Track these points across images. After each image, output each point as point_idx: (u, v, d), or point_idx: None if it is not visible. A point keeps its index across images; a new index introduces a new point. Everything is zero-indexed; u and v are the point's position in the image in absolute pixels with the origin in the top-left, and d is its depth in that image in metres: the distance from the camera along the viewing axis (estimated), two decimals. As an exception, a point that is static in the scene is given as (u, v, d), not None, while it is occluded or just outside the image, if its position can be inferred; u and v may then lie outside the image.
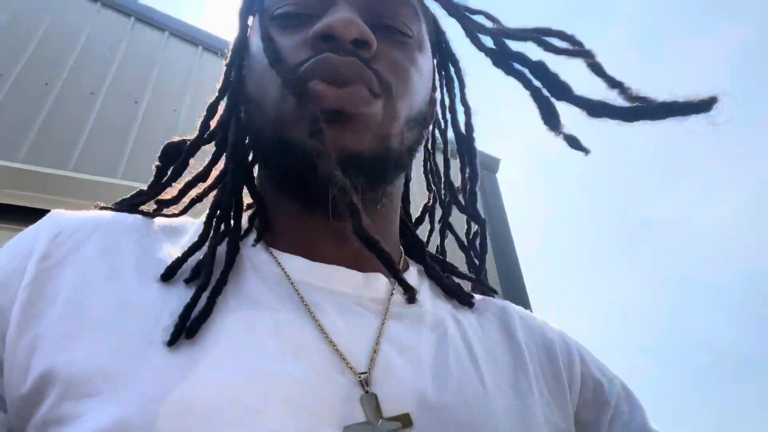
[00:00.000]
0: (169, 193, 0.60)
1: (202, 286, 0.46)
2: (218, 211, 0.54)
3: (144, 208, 0.59)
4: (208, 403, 0.38)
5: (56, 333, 0.42)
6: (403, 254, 0.63)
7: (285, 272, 0.51)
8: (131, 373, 0.40)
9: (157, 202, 0.59)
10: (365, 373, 0.45)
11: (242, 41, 0.58)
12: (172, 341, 0.42)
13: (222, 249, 0.52)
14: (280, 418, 0.39)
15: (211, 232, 0.53)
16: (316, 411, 0.41)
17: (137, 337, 0.42)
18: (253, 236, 0.56)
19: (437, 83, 0.67)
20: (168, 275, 0.48)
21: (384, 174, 0.53)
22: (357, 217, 0.45)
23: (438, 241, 0.72)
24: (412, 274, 0.60)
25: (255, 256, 0.53)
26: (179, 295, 0.46)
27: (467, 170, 0.67)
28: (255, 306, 0.47)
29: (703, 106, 0.43)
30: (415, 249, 0.65)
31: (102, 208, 0.58)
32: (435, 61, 0.64)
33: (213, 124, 0.60)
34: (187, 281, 0.48)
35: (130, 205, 0.58)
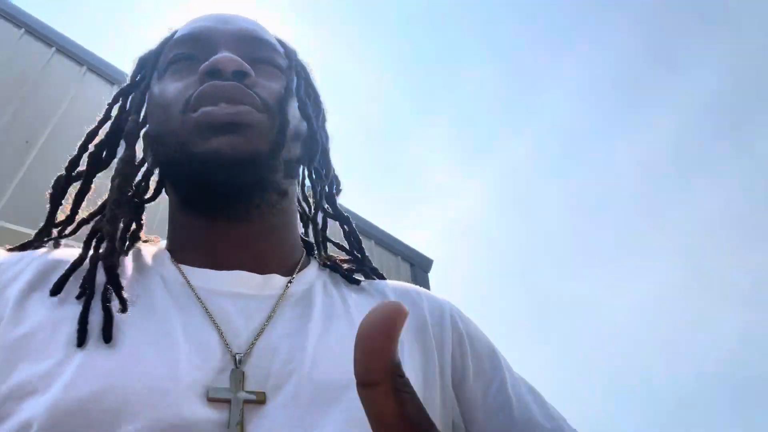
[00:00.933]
0: (62, 215, 0.67)
1: (88, 298, 0.53)
2: (97, 234, 0.61)
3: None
4: (108, 393, 0.45)
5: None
6: (305, 253, 0.71)
7: (188, 282, 0.58)
8: (57, 373, 0.46)
9: (56, 224, 0.66)
10: (240, 353, 0.52)
11: (143, 89, 0.69)
12: (80, 343, 0.49)
13: (127, 266, 0.60)
14: (164, 395, 0.46)
15: (90, 251, 0.59)
16: (190, 383, 0.48)
17: (55, 346, 0.49)
18: (164, 255, 0.63)
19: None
20: (56, 291, 0.54)
21: (279, 175, 0.64)
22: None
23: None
24: (312, 269, 0.68)
25: (164, 271, 0.60)
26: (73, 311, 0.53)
27: (326, 178, 0.76)
28: (158, 311, 0.54)
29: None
30: (312, 248, 0.76)
31: (9, 250, 0.63)
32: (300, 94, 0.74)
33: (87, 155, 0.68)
34: (78, 297, 0.54)
35: (30, 243, 0.64)
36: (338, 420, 0.49)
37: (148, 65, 0.70)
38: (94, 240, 0.60)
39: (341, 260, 0.75)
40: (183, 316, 0.54)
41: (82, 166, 0.67)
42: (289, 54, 0.72)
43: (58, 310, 0.52)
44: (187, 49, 0.66)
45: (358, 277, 0.72)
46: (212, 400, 0.48)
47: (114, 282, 0.54)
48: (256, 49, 0.67)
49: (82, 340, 0.49)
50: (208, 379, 0.49)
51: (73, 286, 0.55)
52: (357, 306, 0.63)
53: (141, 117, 0.69)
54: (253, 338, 0.54)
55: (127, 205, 0.64)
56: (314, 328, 0.57)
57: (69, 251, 0.62)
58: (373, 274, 0.74)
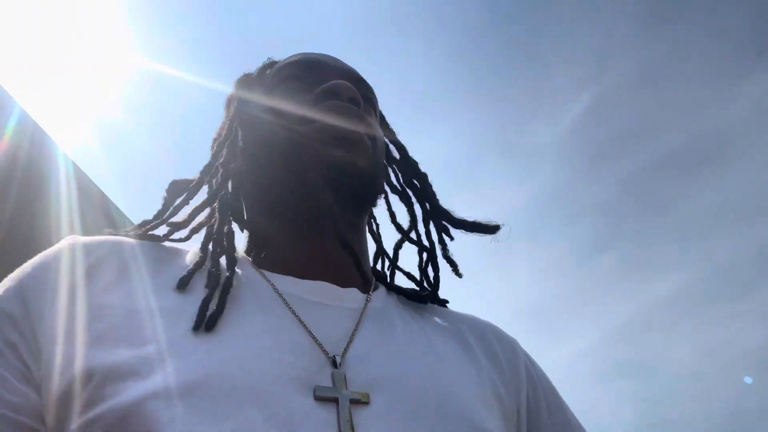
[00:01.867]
0: (180, 218, 0.71)
1: (213, 287, 0.57)
2: (212, 238, 0.65)
3: (155, 232, 0.69)
4: (221, 377, 0.48)
5: (92, 338, 0.50)
6: (374, 279, 0.75)
7: (275, 288, 0.62)
8: (163, 357, 0.49)
9: (169, 224, 0.69)
10: (338, 356, 0.56)
11: (246, 106, 0.75)
12: (197, 327, 0.52)
13: (221, 266, 0.63)
14: (269, 386, 0.49)
15: (209, 252, 0.63)
16: (292, 379, 0.51)
17: (165, 333, 0.52)
18: (245, 261, 0.67)
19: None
20: (182, 285, 0.58)
21: (374, 198, 0.72)
22: (340, 227, 0.64)
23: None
24: (383, 290, 0.72)
25: (249, 276, 0.63)
26: (192, 302, 0.56)
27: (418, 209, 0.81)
28: (254, 311, 0.57)
29: (492, 229, 0.73)
30: (381, 275, 0.80)
31: (111, 234, 0.66)
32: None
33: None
34: (206, 286, 0.58)
35: (138, 232, 0.67)
36: None
37: (250, 86, 0.77)
38: (210, 245, 0.65)
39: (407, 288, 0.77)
40: (273, 318, 0.57)
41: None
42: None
43: (157, 300, 0.55)
44: (301, 72, 0.72)
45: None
46: (319, 398, 0.50)
47: (229, 283, 0.58)
48: (362, 88, 0.74)
49: (199, 324, 0.52)
50: (308, 378, 0.52)
51: (164, 281, 0.59)
52: (432, 329, 0.68)
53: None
54: (345, 345, 0.57)
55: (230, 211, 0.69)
56: (399, 344, 0.61)
57: (168, 249, 0.65)
58: (439, 303, 0.78)
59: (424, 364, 0.59)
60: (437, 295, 0.78)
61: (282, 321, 0.57)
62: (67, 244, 0.60)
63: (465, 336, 0.69)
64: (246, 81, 0.78)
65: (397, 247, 0.82)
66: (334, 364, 0.54)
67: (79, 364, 0.48)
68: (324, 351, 0.55)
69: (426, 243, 0.79)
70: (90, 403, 0.46)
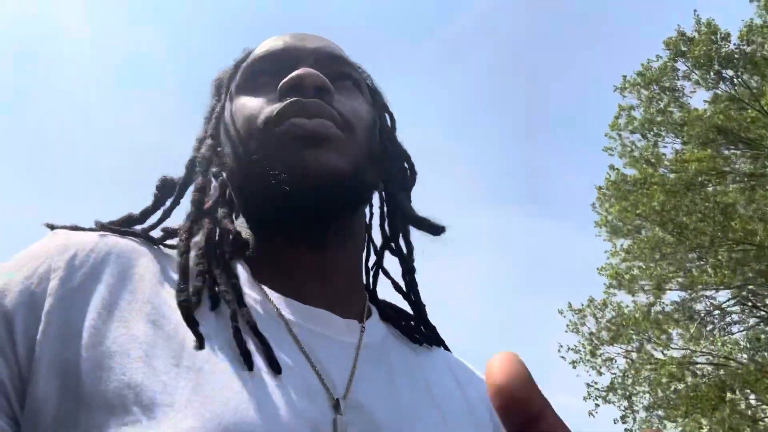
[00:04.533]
0: (176, 225, 0.64)
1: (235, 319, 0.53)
2: (208, 254, 0.59)
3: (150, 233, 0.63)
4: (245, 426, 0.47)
5: (85, 360, 0.47)
6: (367, 299, 0.69)
7: (278, 311, 0.58)
8: (175, 393, 0.46)
9: (164, 230, 0.63)
10: (341, 398, 0.53)
11: (221, 107, 0.68)
12: (250, 367, 0.51)
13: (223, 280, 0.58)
14: (290, 424, 0.48)
15: (211, 269, 0.57)
16: (297, 425, 0.49)
17: (169, 359, 0.49)
18: (243, 272, 0.61)
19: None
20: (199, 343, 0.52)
21: (359, 197, 0.64)
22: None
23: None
24: (376, 317, 0.67)
25: (252, 296, 0.58)
26: (205, 321, 0.52)
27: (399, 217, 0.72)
28: (261, 339, 0.54)
29: (439, 230, 0.67)
30: (375, 297, 0.73)
31: (104, 227, 0.60)
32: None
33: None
34: (212, 309, 0.54)
35: (132, 230, 0.61)
36: None
37: (223, 87, 0.70)
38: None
39: (398, 313, 0.72)
40: (283, 352, 0.54)
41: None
42: (370, 77, 0.74)
43: (162, 324, 0.51)
44: (267, 66, 0.65)
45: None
46: None
47: (252, 321, 0.54)
48: (335, 66, 0.66)
49: (250, 366, 0.50)
50: (316, 425, 0.50)
51: (166, 299, 0.54)
52: (429, 369, 0.65)
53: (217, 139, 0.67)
54: (346, 386, 0.55)
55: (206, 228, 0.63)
56: (398, 389, 0.59)
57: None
58: (429, 331, 0.72)
59: (425, 416, 0.58)
60: (433, 336, 0.72)
61: (291, 356, 0.54)
62: (57, 246, 0.54)
63: (458, 379, 0.68)
64: (219, 82, 0.71)
65: (379, 257, 0.74)
66: (337, 408, 0.52)
67: (72, 389, 0.46)
68: (329, 394, 0.53)
69: (404, 250, 0.72)
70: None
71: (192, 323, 0.50)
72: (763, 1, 10.01)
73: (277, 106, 0.60)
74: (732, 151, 9.91)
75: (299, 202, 0.57)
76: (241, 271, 0.61)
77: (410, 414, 0.57)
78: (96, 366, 0.47)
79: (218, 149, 0.65)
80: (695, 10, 10.38)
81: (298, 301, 0.59)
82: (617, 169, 10.55)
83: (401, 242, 0.72)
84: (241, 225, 0.65)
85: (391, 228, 0.72)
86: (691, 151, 9.89)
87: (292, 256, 0.62)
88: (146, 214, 0.64)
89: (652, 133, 10.73)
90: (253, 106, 0.62)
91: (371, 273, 0.74)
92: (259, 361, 0.51)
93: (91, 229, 0.60)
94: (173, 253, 0.59)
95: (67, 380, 0.47)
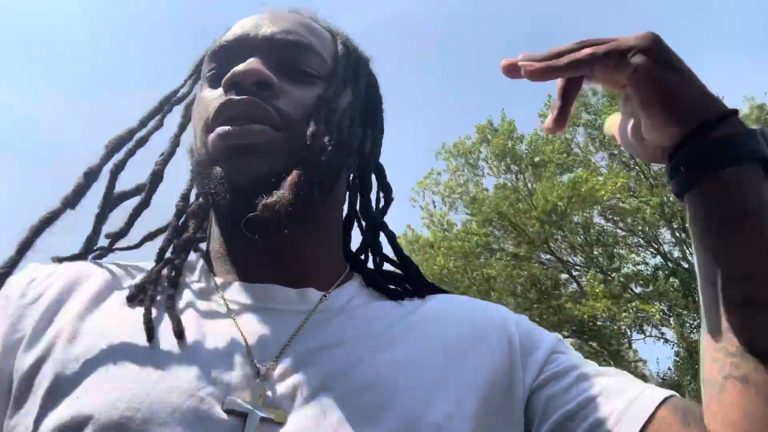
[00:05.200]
0: (122, 233, 0.70)
1: (150, 301, 0.58)
2: (167, 250, 0.66)
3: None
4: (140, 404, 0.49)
5: (18, 364, 0.54)
6: (348, 268, 0.69)
7: (221, 295, 0.60)
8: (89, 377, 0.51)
9: (107, 236, 0.69)
10: (264, 367, 0.53)
11: (193, 96, 0.70)
12: (150, 339, 0.54)
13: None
14: (185, 401, 0.49)
15: (165, 262, 0.63)
16: (211, 392, 0.50)
17: (87, 346, 0.53)
18: (200, 265, 0.66)
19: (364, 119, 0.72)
20: (131, 299, 0.59)
21: (308, 191, 0.58)
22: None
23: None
24: (354, 284, 0.66)
25: (199, 283, 0.63)
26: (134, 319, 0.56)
27: (364, 190, 0.73)
28: (194, 322, 0.57)
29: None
30: (359, 264, 0.72)
31: (60, 260, 0.66)
32: (359, 101, 0.70)
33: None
34: (129, 299, 0.59)
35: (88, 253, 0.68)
36: None
37: (194, 74, 0.72)
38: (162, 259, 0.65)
39: (391, 275, 0.72)
40: (211, 327, 0.56)
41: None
42: (348, 54, 0.69)
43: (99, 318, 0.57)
44: (222, 56, 0.64)
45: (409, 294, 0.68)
46: (228, 411, 0.49)
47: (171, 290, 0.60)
48: (289, 55, 0.63)
49: (150, 337, 0.53)
50: (228, 392, 0.51)
51: (116, 299, 0.59)
52: (399, 325, 0.61)
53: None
54: (278, 353, 0.54)
55: (187, 231, 0.68)
56: (345, 347, 0.56)
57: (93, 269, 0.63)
58: (427, 289, 0.70)
59: (365, 371, 0.54)
60: (426, 284, 0.72)
61: (220, 331, 0.56)
62: (23, 273, 0.62)
63: (447, 330, 0.62)
64: (196, 66, 0.73)
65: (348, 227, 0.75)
66: (258, 375, 0.52)
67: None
68: (253, 362, 0.53)
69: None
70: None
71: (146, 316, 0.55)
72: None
73: (214, 107, 0.60)
74: (502, 233, 12.13)
75: (232, 214, 0.58)
76: (199, 266, 0.65)
77: (337, 373, 0.54)
78: (23, 366, 0.53)
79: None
80: (503, 109, 12.58)
81: (247, 282, 0.61)
82: (413, 229, 12.38)
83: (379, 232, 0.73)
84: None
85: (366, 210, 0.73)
86: (475, 225, 11.93)
87: (246, 245, 0.61)
88: (95, 230, 0.68)
89: (449, 199, 12.68)
90: (206, 102, 0.62)
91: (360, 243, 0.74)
92: (172, 337, 0.54)
93: (68, 258, 0.66)
94: (138, 265, 0.66)
95: (3, 391, 0.53)
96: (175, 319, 0.55)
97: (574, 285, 12.01)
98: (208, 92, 0.64)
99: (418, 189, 12.83)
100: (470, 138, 12.72)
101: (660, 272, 11.68)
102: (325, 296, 0.62)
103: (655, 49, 0.52)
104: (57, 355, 0.53)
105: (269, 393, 0.52)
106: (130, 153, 0.68)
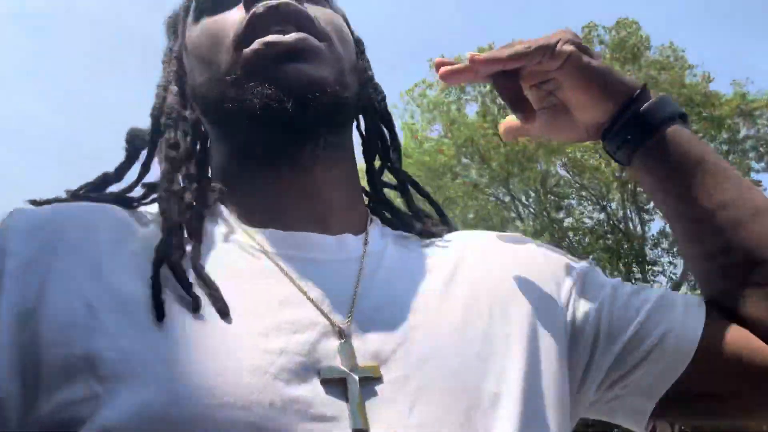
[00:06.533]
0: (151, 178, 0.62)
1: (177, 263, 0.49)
2: (172, 193, 0.56)
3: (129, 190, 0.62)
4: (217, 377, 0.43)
5: (41, 337, 0.44)
6: (369, 212, 0.66)
7: (262, 248, 0.54)
8: (143, 359, 0.43)
9: (144, 185, 0.62)
10: (343, 326, 0.49)
11: (180, 44, 0.65)
12: (160, 317, 0.45)
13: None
14: (272, 369, 0.44)
15: (175, 211, 0.54)
16: (298, 365, 0.45)
17: (138, 325, 0.45)
18: (224, 213, 0.58)
19: None
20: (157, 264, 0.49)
21: (347, 110, 0.59)
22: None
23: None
24: (377, 226, 0.64)
25: (231, 234, 0.56)
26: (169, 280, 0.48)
27: (386, 133, 0.71)
28: (243, 280, 0.51)
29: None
30: (379, 206, 0.70)
31: (75, 196, 0.59)
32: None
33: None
34: (164, 260, 0.49)
35: (105, 195, 0.60)
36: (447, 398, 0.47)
37: (180, 21, 0.65)
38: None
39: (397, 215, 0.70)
40: (269, 286, 0.51)
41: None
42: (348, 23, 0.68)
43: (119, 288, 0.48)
44: None
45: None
46: (325, 381, 0.45)
47: (197, 254, 0.52)
48: None
49: (159, 315, 0.45)
50: (313, 359, 0.46)
51: (135, 258, 0.50)
52: (433, 264, 0.60)
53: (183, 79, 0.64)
54: (349, 308, 0.51)
55: (185, 181, 0.59)
56: (407, 296, 0.54)
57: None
58: (447, 227, 0.70)
59: (434, 322, 0.52)
60: (445, 221, 0.71)
61: (281, 289, 0.51)
62: (14, 222, 0.51)
63: (484, 273, 0.59)
64: (173, 18, 0.68)
65: (379, 171, 0.71)
66: (341, 335, 0.48)
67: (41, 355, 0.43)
68: (329, 320, 0.49)
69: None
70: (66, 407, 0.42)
71: (156, 289, 0.47)
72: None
73: (245, 18, 0.56)
74: (469, 160, 12.79)
75: (285, 118, 0.53)
76: (225, 215, 0.58)
77: (415, 320, 0.52)
78: (50, 342, 0.44)
79: (185, 90, 0.63)
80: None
81: (283, 230, 0.56)
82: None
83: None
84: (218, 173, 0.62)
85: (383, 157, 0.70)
86: (445, 148, 12.50)
87: (276, 182, 0.58)
88: (121, 170, 0.62)
89: (430, 115, 13.06)
90: (219, 25, 0.58)
91: (373, 184, 0.71)
92: (226, 303, 0.47)
93: (63, 200, 0.58)
94: (151, 209, 0.58)
95: (26, 366, 0.44)
96: (212, 289, 0.48)
97: (520, 226, 12.93)
98: (218, 17, 0.59)
99: (404, 95, 13.14)
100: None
101: (598, 228, 12.71)
102: (366, 240, 0.60)
103: (576, 40, 0.58)
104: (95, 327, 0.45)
105: (356, 351, 0.48)
106: (162, 99, 0.63)
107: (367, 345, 0.49)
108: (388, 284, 0.56)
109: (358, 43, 0.69)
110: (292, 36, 0.55)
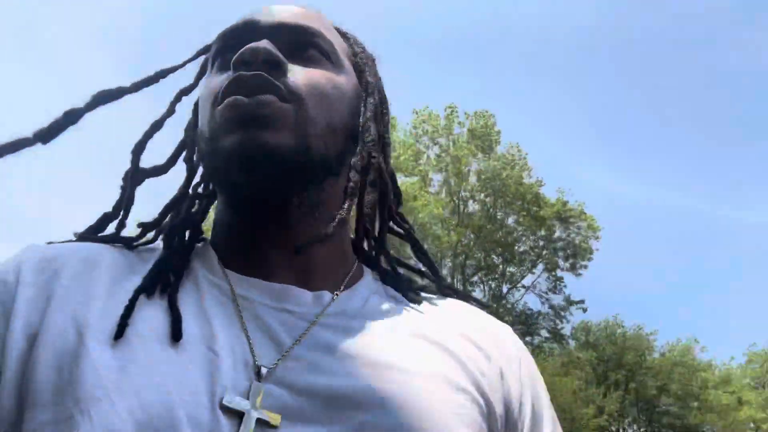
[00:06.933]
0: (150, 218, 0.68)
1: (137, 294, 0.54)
2: (174, 238, 0.63)
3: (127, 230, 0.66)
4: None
5: (35, 358, 0.49)
6: (356, 263, 0.67)
7: (233, 291, 0.58)
8: (114, 380, 0.48)
9: (140, 225, 0.67)
10: (265, 367, 0.52)
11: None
12: (118, 336, 0.50)
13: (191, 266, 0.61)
14: (185, 396, 0.48)
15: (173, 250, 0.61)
16: (210, 389, 0.49)
17: (116, 349, 0.50)
18: (211, 256, 0.62)
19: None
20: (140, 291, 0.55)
21: (312, 171, 0.60)
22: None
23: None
24: (365, 282, 0.65)
25: (212, 277, 0.60)
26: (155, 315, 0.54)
27: (389, 188, 0.71)
28: (200, 319, 0.54)
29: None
30: (371, 258, 0.71)
31: (81, 237, 0.65)
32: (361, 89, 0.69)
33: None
34: (144, 291, 0.55)
35: (104, 234, 0.66)
36: None
37: (207, 65, 0.69)
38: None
39: (407, 270, 0.72)
40: (218, 324, 0.54)
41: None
42: (352, 46, 0.71)
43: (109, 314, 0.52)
44: (229, 42, 0.64)
45: (426, 293, 0.69)
46: (224, 408, 0.48)
47: (176, 283, 0.57)
48: (296, 37, 0.64)
49: (119, 334, 0.51)
50: (228, 389, 0.49)
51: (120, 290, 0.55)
52: (413, 332, 0.60)
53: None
54: (282, 354, 0.54)
55: (186, 224, 0.64)
56: (346, 357, 0.55)
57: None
58: (448, 290, 0.72)
59: (375, 379, 0.53)
60: (446, 285, 0.72)
61: (230, 330, 0.55)
62: (26, 255, 0.57)
63: (452, 339, 0.60)
64: (205, 60, 0.72)
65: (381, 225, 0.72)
66: (258, 376, 0.51)
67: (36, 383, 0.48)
68: (254, 363, 0.52)
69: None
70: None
71: (129, 308, 0.52)
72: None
73: (223, 84, 0.59)
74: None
75: (245, 188, 0.58)
76: (208, 257, 0.62)
77: (340, 382, 0.52)
78: (45, 365, 0.48)
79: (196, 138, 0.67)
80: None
81: (262, 278, 0.59)
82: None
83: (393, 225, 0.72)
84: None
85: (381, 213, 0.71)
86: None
87: (258, 234, 0.61)
88: (118, 207, 0.67)
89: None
90: (213, 85, 0.62)
91: (374, 235, 0.71)
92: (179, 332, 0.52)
93: (69, 241, 0.63)
94: (150, 247, 0.64)
95: (22, 384, 0.48)
96: (176, 314, 0.53)
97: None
98: (216, 76, 0.64)
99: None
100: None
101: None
102: (334, 299, 0.61)
103: None
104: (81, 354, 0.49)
105: (268, 395, 0.50)
106: (147, 135, 0.68)
107: (282, 393, 0.51)
108: (339, 337, 0.56)
109: (380, 103, 0.71)
110: (254, 99, 0.57)
